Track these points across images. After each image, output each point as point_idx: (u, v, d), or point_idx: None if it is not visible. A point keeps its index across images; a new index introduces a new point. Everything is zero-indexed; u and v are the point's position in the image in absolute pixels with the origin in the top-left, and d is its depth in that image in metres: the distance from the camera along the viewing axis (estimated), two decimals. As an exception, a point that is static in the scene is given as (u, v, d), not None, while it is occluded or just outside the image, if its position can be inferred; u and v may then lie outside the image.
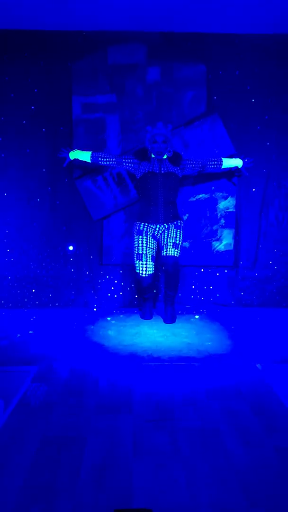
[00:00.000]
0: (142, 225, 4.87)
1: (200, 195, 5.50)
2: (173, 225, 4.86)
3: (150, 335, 4.46)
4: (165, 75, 5.38)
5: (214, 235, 5.54)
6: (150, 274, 4.84)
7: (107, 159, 4.98)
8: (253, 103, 5.40)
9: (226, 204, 5.51)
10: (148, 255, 4.82)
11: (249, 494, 2.04)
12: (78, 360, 3.75)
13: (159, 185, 4.83)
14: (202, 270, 5.57)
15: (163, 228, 4.86)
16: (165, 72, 5.37)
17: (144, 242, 4.83)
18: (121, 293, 5.54)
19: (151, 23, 5.12)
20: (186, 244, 5.50)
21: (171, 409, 2.86)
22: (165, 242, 4.82)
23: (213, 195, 5.50)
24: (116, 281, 5.57)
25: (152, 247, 4.86)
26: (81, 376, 3.42)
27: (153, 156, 4.88)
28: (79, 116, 5.39)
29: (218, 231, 5.55)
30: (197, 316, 5.16)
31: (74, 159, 5.10)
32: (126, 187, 5.45)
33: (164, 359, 3.76)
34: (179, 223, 4.89)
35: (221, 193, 5.50)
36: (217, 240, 5.55)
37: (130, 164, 4.94)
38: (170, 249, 4.78)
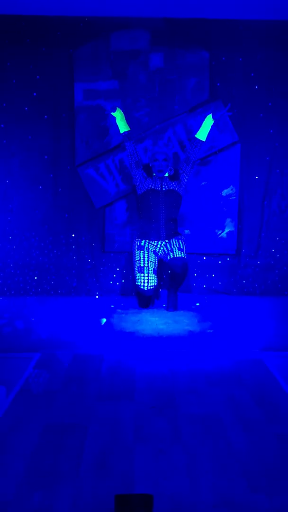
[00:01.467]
0: (143, 242, 4.88)
1: (203, 183, 5.48)
2: (175, 238, 4.89)
3: (152, 323, 4.46)
4: (168, 61, 5.33)
5: (217, 223, 5.53)
6: (151, 287, 4.76)
7: (132, 151, 4.82)
8: (256, 90, 5.36)
9: (228, 192, 5.49)
10: (150, 268, 4.77)
11: (249, 479, 2.05)
12: (80, 347, 3.76)
13: (161, 202, 4.84)
14: (205, 258, 5.57)
15: (164, 244, 4.87)
16: (168, 59, 5.33)
17: (146, 256, 4.80)
18: (123, 281, 5.54)
19: (154, 8, 5.07)
20: (187, 231, 5.49)
21: (172, 396, 2.87)
22: (170, 249, 4.81)
23: (216, 183, 5.48)
24: (118, 269, 5.57)
25: (153, 261, 4.82)
26: (83, 363, 3.43)
27: (154, 174, 4.92)
28: (81, 102, 5.36)
29: (221, 219, 5.53)
30: (198, 304, 5.16)
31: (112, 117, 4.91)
32: (129, 175, 5.43)
33: (166, 347, 3.77)
34: (180, 237, 4.93)
35: (223, 181, 5.48)
36: (220, 228, 5.54)
37: (140, 172, 4.88)
38: (177, 252, 4.76)
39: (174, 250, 4.78)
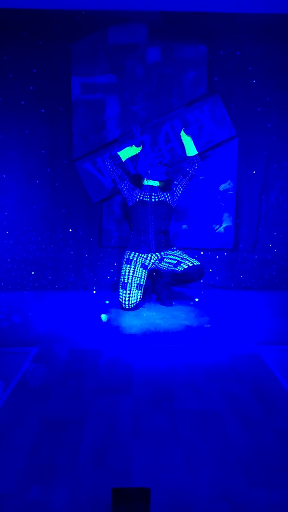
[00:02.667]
0: (132, 254, 4.81)
1: (200, 177, 5.47)
2: (170, 250, 4.81)
3: (149, 318, 4.46)
4: (166, 55, 5.31)
5: (214, 218, 5.52)
6: (133, 305, 4.69)
7: (112, 167, 4.73)
8: (254, 84, 5.35)
9: (226, 186, 5.49)
10: (133, 284, 4.70)
11: (249, 475, 2.05)
12: (78, 342, 3.75)
13: (149, 214, 4.77)
14: (202, 253, 5.56)
15: (156, 258, 4.80)
16: (165, 53, 5.31)
17: (131, 271, 4.74)
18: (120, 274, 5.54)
19: (151, 2, 5.05)
20: (184, 226, 5.48)
21: (170, 391, 2.86)
22: (172, 260, 4.71)
23: (213, 177, 5.47)
24: (115, 264, 5.57)
25: (139, 276, 4.74)
26: (80, 358, 3.42)
27: (146, 183, 4.84)
28: (78, 96, 5.34)
29: (218, 214, 5.53)
30: (196, 299, 5.16)
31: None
32: (126, 169, 5.41)
33: (163, 341, 3.77)
34: (175, 248, 4.86)
35: (221, 175, 5.47)
36: (217, 222, 5.53)
37: (126, 184, 4.81)
38: (193, 260, 4.65)
39: (186, 260, 4.65)
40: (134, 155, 4.86)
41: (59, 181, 5.45)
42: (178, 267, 4.66)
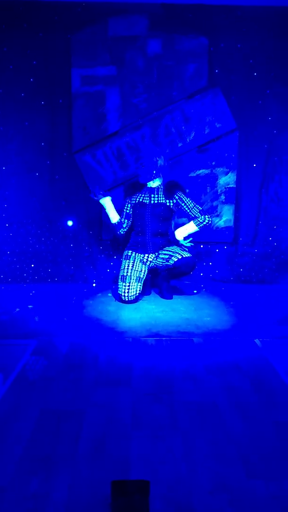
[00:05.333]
0: (130, 252, 4.85)
1: (200, 171, 5.46)
2: (166, 247, 4.83)
3: (149, 311, 4.46)
4: (166, 47, 5.28)
5: (214, 211, 5.52)
6: (133, 297, 4.67)
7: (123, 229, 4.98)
8: (255, 77, 5.32)
9: (226, 179, 5.47)
10: (133, 276, 4.70)
11: (247, 466, 2.06)
12: (78, 335, 3.76)
13: (147, 216, 4.77)
14: (202, 246, 5.56)
15: (153, 256, 4.82)
16: (166, 44, 5.28)
17: (130, 265, 4.75)
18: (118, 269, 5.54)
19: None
20: (185, 219, 5.47)
21: (170, 383, 2.87)
22: (169, 255, 4.72)
23: (214, 171, 5.46)
24: (115, 257, 5.56)
25: (139, 270, 4.75)
26: (80, 350, 3.43)
27: (149, 185, 4.81)
28: (79, 89, 5.32)
29: (218, 207, 5.52)
30: (195, 291, 5.16)
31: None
32: (126, 162, 5.40)
33: (163, 334, 3.77)
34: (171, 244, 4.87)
35: (221, 169, 5.46)
36: (217, 216, 5.53)
37: (130, 210, 4.90)
38: (183, 253, 4.67)
39: (177, 253, 4.68)
40: (109, 207, 4.93)
41: (59, 174, 5.44)
42: (170, 261, 4.69)
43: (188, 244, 4.81)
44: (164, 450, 2.16)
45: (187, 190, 4.96)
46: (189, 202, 4.77)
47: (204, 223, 4.78)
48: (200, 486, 1.93)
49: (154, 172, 4.74)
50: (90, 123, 5.35)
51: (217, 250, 5.59)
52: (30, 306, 4.57)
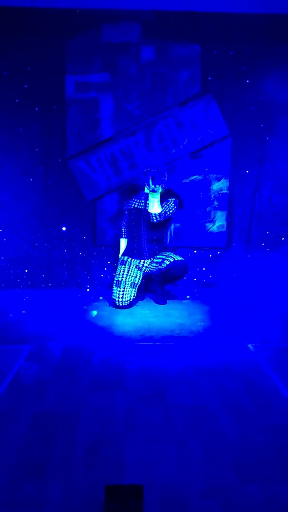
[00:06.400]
0: (126, 258, 4.85)
1: (194, 177, 5.49)
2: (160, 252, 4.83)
3: (143, 316, 4.48)
4: (160, 54, 5.32)
5: (207, 217, 5.54)
6: (127, 302, 4.68)
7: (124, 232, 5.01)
8: (247, 84, 5.36)
9: (219, 185, 5.51)
10: (127, 282, 4.72)
11: (241, 470, 2.07)
12: (72, 340, 3.76)
13: (142, 222, 4.78)
14: (195, 251, 5.58)
15: (149, 262, 4.83)
16: (159, 51, 5.32)
17: (126, 271, 4.77)
18: (114, 274, 5.54)
19: (145, 1, 5.06)
20: (178, 224, 5.50)
21: (164, 387, 2.88)
22: (162, 259, 4.72)
23: (207, 177, 5.49)
24: (109, 262, 5.58)
25: (133, 276, 4.77)
26: (74, 355, 3.43)
27: (146, 191, 4.75)
28: (73, 95, 5.34)
29: (212, 213, 5.55)
30: (188, 296, 5.18)
31: None
32: (120, 168, 5.42)
33: (156, 339, 3.79)
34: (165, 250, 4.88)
35: (214, 175, 5.49)
36: (210, 221, 5.55)
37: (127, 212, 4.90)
38: (175, 256, 4.69)
39: (170, 257, 4.69)
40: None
41: (53, 179, 5.45)
42: (162, 264, 4.70)
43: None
44: (158, 454, 2.17)
45: (182, 204, 4.90)
46: (166, 206, 4.72)
47: (152, 219, 4.68)
48: (194, 490, 1.94)
49: (161, 185, 4.72)
50: (84, 129, 5.38)
51: (210, 256, 5.61)
52: (23, 312, 4.57)
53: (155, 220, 4.68)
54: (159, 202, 4.67)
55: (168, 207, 4.73)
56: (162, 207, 4.68)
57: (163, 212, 4.67)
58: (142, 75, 5.34)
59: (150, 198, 4.66)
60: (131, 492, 1.78)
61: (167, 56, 5.32)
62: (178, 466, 2.09)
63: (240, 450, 2.23)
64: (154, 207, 4.66)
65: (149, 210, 4.68)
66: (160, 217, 4.67)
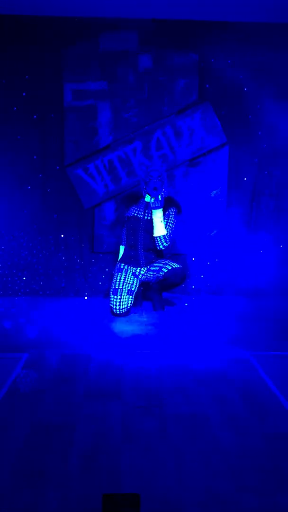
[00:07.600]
0: (122, 265, 4.84)
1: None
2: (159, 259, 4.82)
3: (141, 323, 4.46)
4: (157, 62, 5.36)
5: (206, 224, 5.55)
6: (124, 310, 4.66)
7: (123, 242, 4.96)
8: (245, 92, 5.39)
9: (217, 192, 5.51)
10: (124, 289, 4.70)
11: (237, 479, 2.06)
12: (69, 348, 3.75)
13: (140, 230, 4.77)
14: (194, 259, 5.58)
15: (145, 270, 4.81)
16: (157, 60, 5.36)
17: (122, 278, 4.75)
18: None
19: (143, 10, 5.09)
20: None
21: (160, 395, 2.87)
22: (159, 267, 4.71)
23: (205, 184, 5.50)
24: (107, 269, 5.58)
25: (130, 283, 4.76)
26: (71, 363, 3.42)
27: (147, 199, 4.77)
28: (70, 103, 5.36)
29: (209, 220, 5.55)
30: (186, 304, 5.17)
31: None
32: (118, 175, 5.44)
33: (153, 346, 3.78)
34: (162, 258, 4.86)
35: (212, 182, 5.50)
36: (208, 228, 5.56)
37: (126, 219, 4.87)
38: (173, 264, 4.68)
39: (167, 264, 4.68)
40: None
41: (51, 187, 5.46)
42: (160, 272, 4.70)
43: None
44: (155, 464, 2.16)
45: (180, 210, 4.91)
46: (170, 222, 4.75)
47: (159, 246, 4.73)
48: (190, 500, 1.93)
49: (162, 193, 4.72)
50: (82, 137, 5.39)
51: (208, 263, 5.61)
52: (21, 319, 4.57)
53: (162, 248, 4.72)
54: (162, 217, 4.68)
55: (172, 223, 4.76)
56: (165, 225, 4.69)
57: (168, 234, 4.70)
58: (139, 83, 5.37)
59: (154, 218, 4.67)
60: (128, 501, 1.77)
61: (164, 65, 5.35)
62: (175, 475, 2.08)
63: (237, 459, 2.22)
64: (159, 229, 4.67)
65: (155, 235, 4.70)
66: (166, 242, 4.70)
